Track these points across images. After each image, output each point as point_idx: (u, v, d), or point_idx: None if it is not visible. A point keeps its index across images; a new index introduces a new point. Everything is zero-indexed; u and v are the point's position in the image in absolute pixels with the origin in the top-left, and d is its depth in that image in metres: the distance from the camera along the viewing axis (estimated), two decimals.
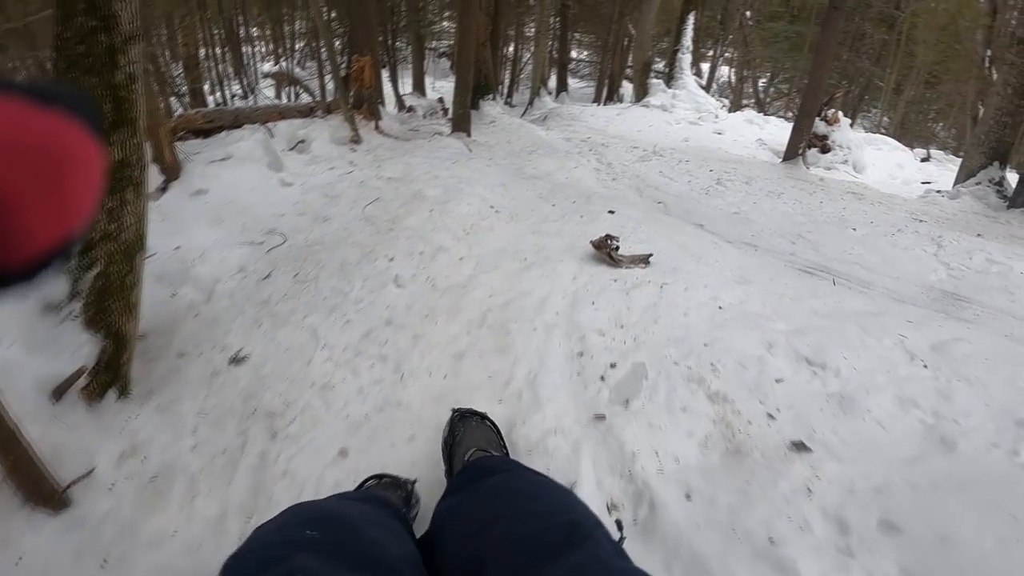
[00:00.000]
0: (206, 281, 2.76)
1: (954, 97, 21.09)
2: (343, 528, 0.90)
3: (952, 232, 5.74)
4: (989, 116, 7.53)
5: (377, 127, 6.53)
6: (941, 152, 16.96)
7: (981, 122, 7.64)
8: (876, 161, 11.48)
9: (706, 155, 8.61)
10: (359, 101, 6.46)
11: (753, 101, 21.15)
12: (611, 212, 4.30)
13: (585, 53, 30.74)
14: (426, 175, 4.58)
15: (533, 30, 21.72)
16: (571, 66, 26.94)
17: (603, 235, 3.16)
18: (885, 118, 22.67)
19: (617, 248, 3.07)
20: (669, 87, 13.57)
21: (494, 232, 3.70)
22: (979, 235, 5.87)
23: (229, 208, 3.50)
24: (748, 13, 17.73)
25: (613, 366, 2.19)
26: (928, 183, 10.51)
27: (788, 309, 2.71)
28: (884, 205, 6.87)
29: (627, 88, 23.46)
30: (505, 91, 22.63)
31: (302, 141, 4.99)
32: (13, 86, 0.38)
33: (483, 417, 1.61)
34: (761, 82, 23.27)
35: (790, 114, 20.15)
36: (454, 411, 1.64)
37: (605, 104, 17.45)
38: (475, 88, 10.22)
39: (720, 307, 2.64)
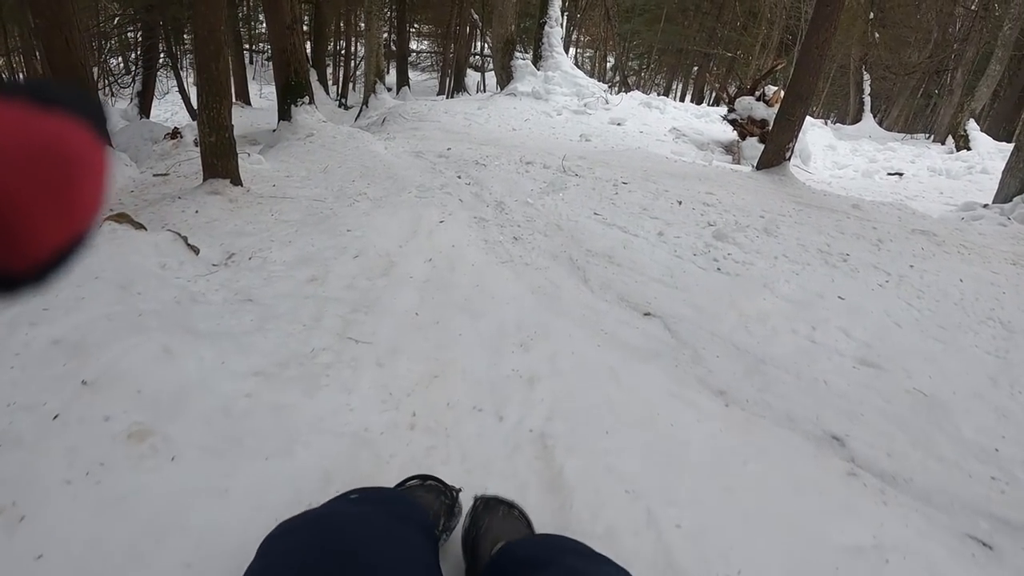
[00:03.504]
0: None
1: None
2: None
3: None
4: None
5: None
6: (839, 124, 14.80)
7: None
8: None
9: (641, 166, 5.10)
10: None
11: (615, 81, 18.22)
12: None
13: (425, 43, 27.18)
14: None
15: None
16: (411, 58, 23.27)
17: None
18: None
19: None
20: (538, 68, 10.03)
21: None
22: None
23: None
24: None
25: None
26: (898, 174, 7.70)
27: None
28: (975, 255, 3.67)
29: (472, 78, 19.97)
30: (339, 91, 18.42)
31: None
32: (15, 89, 0.37)
33: (511, 506, 1.19)
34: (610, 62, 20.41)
35: (654, 93, 17.41)
36: (477, 498, 1.21)
37: (452, 96, 13.80)
38: (284, 89, 6.68)
39: None
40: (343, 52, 19.85)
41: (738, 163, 7.36)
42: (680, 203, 3.94)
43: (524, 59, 10.18)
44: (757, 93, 7.68)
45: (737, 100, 7.71)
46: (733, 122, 7.73)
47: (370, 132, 7.38)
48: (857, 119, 15.31)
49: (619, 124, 8.13)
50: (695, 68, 20.63)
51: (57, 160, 0.36)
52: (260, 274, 2.26)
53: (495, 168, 4.77)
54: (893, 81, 19.07)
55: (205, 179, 3.65)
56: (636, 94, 10.43)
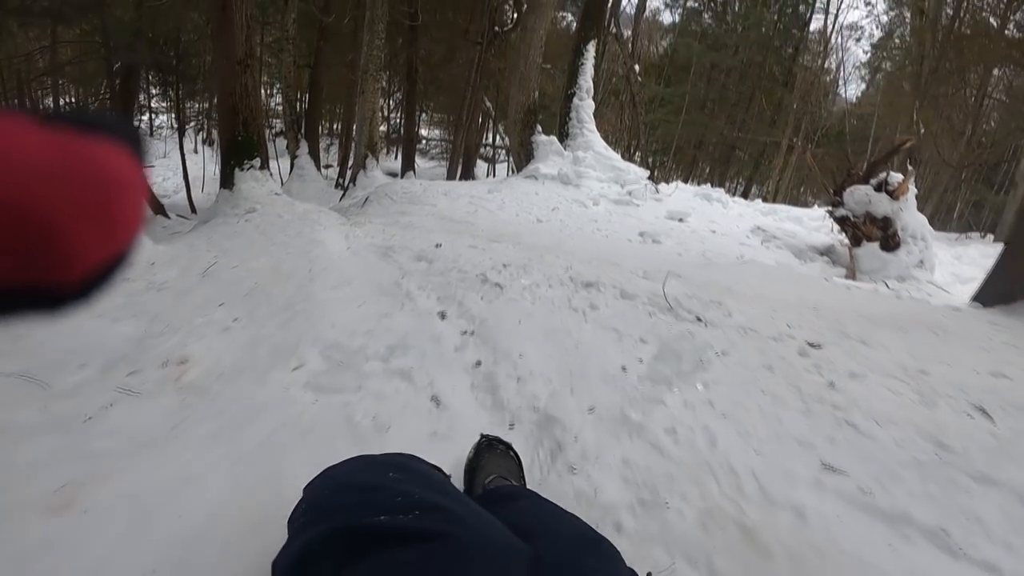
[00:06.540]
0: None
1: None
2: (421, 473, 0.84)
3: None
4: None
5: None
6: None
7: None
8: None
9: (797, 296, 2.65)
10: None
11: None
12: None
13: (436, 132, 25.69)
14: None
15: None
16: (420, 145, 21.59)
17: None
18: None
19: None
20: (565, 147, 7.81)
21: None
22: None
23: None
24: (637, 67, 12.65)
25: None
26: None
27: None
28: None
29: (481, 168, 18.10)
30: (340, 170, 16.42)
31: None
32: (59, 116, 0.37)
33: (509, 447, 1.37)
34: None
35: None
36: (482, 436, 1.37)
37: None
38: (228, 146, 4.62)
39: None
40: (343, 132, 18.10)
41: (853, 277, 4.95)
42: (983, 412, 1.43)
43: (548, 136, 7.97)
44: (874, 181, 5.33)
45: (848, 191, 5.36)
46: (842, 220, 5.35)
47: (347, 214, 5.06)
48: None
49: (681, 220, 5.78)
50: (715, 171, 18.74)
51: (98, 179, 0.36)
52: None
53: (522, 294, 2.31)
54: (933, 177, 17.28)
55: None
56: (677, 183, 8.16)
